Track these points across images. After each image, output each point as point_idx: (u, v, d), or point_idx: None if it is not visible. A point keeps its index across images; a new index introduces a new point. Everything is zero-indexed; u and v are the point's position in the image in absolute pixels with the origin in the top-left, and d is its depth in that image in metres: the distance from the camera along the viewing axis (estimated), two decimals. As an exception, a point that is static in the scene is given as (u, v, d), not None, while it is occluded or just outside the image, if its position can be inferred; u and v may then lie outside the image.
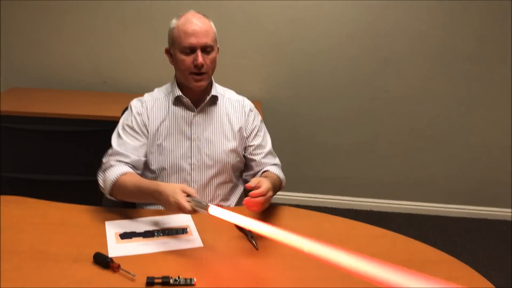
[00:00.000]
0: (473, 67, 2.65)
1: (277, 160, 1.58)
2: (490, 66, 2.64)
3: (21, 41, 2.69)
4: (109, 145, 1.42)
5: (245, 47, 2.66)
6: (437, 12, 2.55)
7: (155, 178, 1.46)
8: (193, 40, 1.34)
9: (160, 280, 1.01)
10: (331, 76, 2.70)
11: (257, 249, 1.19)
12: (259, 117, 1.58)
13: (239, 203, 1.56)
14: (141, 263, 1.09)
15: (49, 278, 1.01)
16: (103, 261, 1.06)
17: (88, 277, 1.03)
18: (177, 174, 1.45)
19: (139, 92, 1.52)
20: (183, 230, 1.26)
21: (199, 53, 1.35)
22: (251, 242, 1.21)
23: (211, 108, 1.48)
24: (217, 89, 1.51)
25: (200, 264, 1.11)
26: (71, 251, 1.13)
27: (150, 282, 1.01)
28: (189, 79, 1.39)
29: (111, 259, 1.07)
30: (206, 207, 1.12)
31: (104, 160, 1.39)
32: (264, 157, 1.53)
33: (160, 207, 1.33)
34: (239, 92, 1.59)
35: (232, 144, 1.49)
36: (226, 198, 1.54)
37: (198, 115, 1.46)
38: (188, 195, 1.16)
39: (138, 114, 1.45)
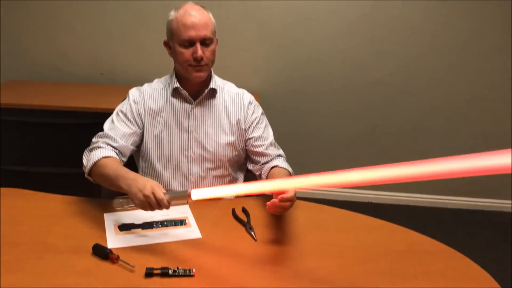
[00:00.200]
0: (472, 59, 2.64)
1: (281, 151, 1.56)
2: (489, 58, 2.63)
3: (20, 33, 2.68)
4: None
5: (243, 39, 2.65)
6: (436, 2, 2.54)
7: (150, 168, 1.47)
8: (192, 33, 1.32)
9: (159, 271, 1.02)
10: (330, 68, 2.69)
11: (255, 240, 1.19)
12: (260, 110, 1.57)
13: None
14: (140, 254, 1.10)
15: (48, 270, 1.02)
16: (102, 252, 1.07)
17: (88, 268, 1.03)
18: (174, 166, 1.46)
19: (137, 85, 1.52)
20: (181, 222, 1.26)
21: (198, 46, 1.33)
22: (249, 233, 1.22)
23: (209, 101, 1.48)
24: (217, 82, 1.49)
25: (199, 255, 1.12)
26: (71, 242, 1.13)
27: (149, 273, 1.01)
28: (189, 70, 1.38)
29: (110, 250, 1.07)
30: (187, 195, 1.09)
31: (93, 140, 1.41)
32: (267, 148, 1.52)
33: None
34: (237, 84, 1.58)
35: (230, 138, 1.48)
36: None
37: (196, 107, 1.46)
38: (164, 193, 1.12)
39: (134, 102, 1.45)
